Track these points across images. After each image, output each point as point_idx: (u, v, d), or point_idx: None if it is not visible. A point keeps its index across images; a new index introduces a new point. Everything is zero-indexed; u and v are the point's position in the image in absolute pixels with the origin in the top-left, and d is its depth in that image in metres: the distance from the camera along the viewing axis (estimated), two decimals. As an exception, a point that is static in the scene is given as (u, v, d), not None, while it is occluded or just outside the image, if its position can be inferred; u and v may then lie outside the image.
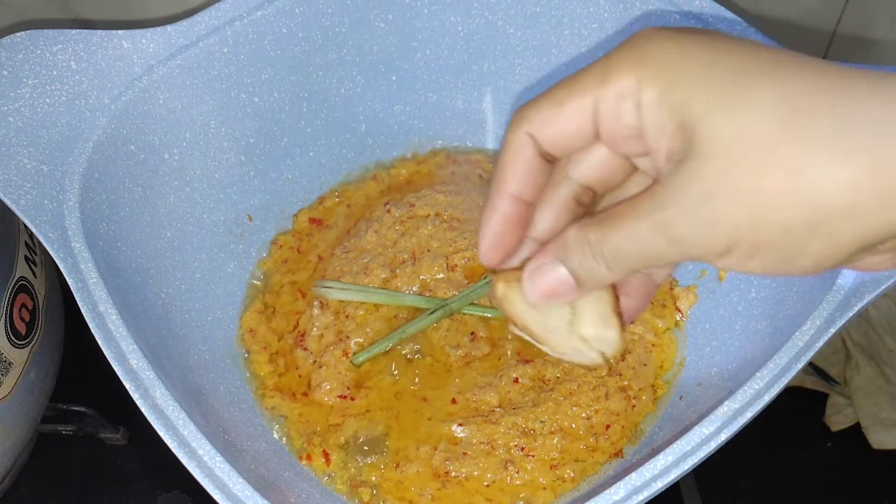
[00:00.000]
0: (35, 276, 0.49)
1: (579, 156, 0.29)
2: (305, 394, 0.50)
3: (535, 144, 0.28)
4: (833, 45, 0.62)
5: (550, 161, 0.29)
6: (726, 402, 0.36)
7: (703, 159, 0.24)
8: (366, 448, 0.47)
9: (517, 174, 0.29)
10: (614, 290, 0.31)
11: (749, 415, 0.35)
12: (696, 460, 0.34)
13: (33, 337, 0.49)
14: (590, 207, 0.31)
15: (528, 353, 0.51)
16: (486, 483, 0.46)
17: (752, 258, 0.24)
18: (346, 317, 0.52)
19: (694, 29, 0.26)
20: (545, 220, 0.31)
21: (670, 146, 0.25)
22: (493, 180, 0.30)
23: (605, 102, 0.26)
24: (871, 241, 0.23)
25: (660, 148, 0.26)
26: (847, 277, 0.39)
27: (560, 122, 0.27)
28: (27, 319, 0.48)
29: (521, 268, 0.31)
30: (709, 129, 0.24)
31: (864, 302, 0.38)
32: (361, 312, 0.52)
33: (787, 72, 0.24)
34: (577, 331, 0.31)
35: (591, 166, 0.29)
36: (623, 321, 0.31)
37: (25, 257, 0.48)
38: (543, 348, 0.32)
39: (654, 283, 0.32)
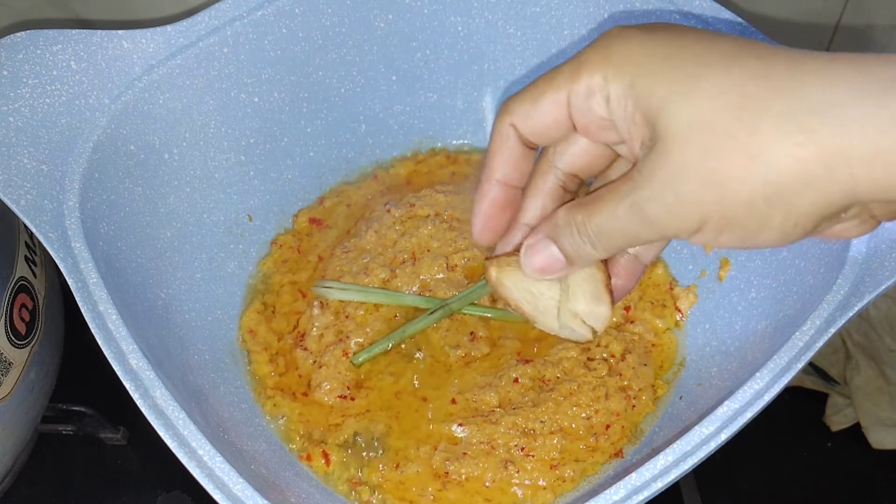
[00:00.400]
0: (35, 276, 0.49)
1: (563, 146, 0.32)
2: (305, 394, 0.50)
3: (517, 134, 0.31)
4: (833, 45, 0.62)
5: (533, 148, 0.32)
6: (726, 402, 0.36)
7: (667, 146, 0.26)
8: (366, 448, 0.47)
9: (503, 161, 0.32)
10: (606, 267, 0.34)
11: (749, 415, 0.35)
12: (696, 460, 0.34)
13: (33, 337, 0.49)
14: (576, 194, 0.34)
15: (528, 353, 0.51)
16: (486, 483, 0.46)
17: (721, 233, 0.27)
18: (346, 317, 0.52)
19: (659, 25, 0.29)
20: (535, 208, 0.33)
21: (641, 134, 0.28)
22: (482, 167, 0.33)
23: (577, 97, 0.29)
24: (829, 210, 0.26)
25: (632, 137, 0.28)
26: (847, 277, 0.39)
27: (538, 115, 0.30)
28: (27, 319, 0.48)
29: (513, 253, 0.34)
30: (669, 119, 0.26)
31: (864, 302, 0.38)
32: (361, 312, 0.52)
33: (740, 61, 0.26)
34: (571, 307, 0.34)
35: (574, 155, 0.32)
36: (613, 298, 0.34)
37: (25, 257, 0.48)
38: (536, 325, 0.35)
39: (641, 263, 0.34)
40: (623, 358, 0.50)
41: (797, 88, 0.25)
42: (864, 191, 0.25)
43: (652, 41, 0.28)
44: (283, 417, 0.49)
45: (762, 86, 0.25)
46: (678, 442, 0.35)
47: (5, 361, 0.46)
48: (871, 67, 0.25)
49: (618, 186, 0.28)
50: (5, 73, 0.44)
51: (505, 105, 0.31)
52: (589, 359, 0.50)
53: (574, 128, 0.30)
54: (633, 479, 0.34)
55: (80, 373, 0.55)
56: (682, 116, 0.26)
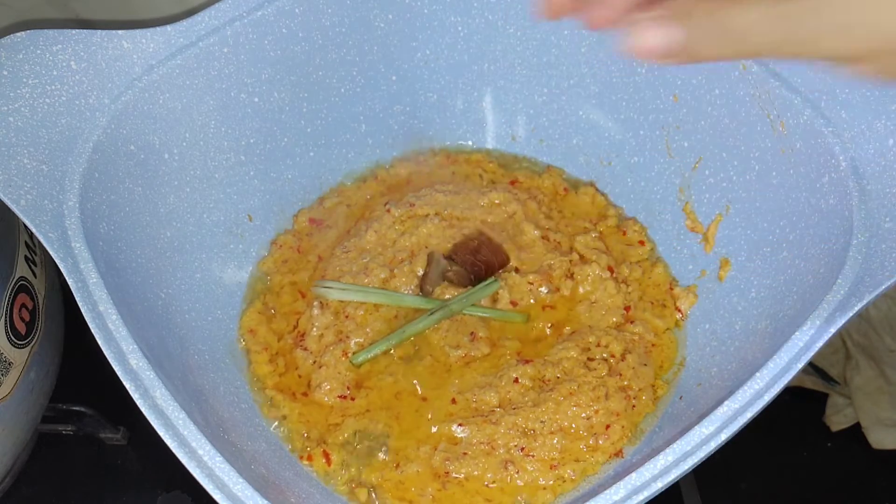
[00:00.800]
0: (35, 276, 0.49)
1: None
2: (305, 394, 0.50)
3: None
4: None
5: None
6: (726, 402, 0.36)
7: None
8: (366, 448, 0.47)
9: None
10: None
11: (749, 415, 0.35)
12: (696, 460, 0.34)
13: (33, 337, 0.49)
14: None
15: (528, 353, 0.51)
16: (486, 483, 0.46)
17: (878, 70, 0.24)
18: (346, 317, 0.52)
19: None
20: None
21: None
22: None
23: None
24: None
25: None
26: (847, 277, 0.39)
27: None
28: (27, 319, 0.48)
29: None
30: None
31: (864, 302, 0.38)
32: (361, 312, 0.52)
33: None
34: None
35: None
36: None
37: (25, 257, 0.48)
38: None
39: None
40: (623, 358, 0.50)
41: None
42: None
43: None
44: (283, 417, 0.49)
45: None
46: (678, 442, 0.35)
47: (5, 361, 0.46)
48: None
49: None
50: (5, 73, 0.44)
51: None
52: (589, 359, 0.50)
53: None
54: (633, 479, 0.34)
55: (80, 373, 0.55)
56: None
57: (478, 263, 0.52)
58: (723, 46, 0.27)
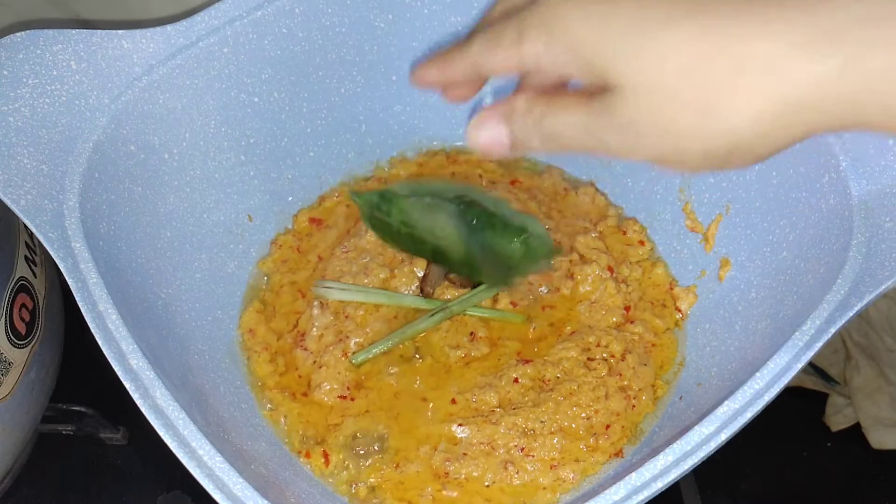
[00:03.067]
0: (35, 276, 0.49)
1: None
2: (305, 394, 0.50)
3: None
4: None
5: None
6: (726, 402, 0.36)
7: (623, 97, 0.28)
8: (366, 448, 0.47)
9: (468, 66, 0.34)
10: None
11: (749, 415, 0.35)
12: (696, 460, 0.34)
13: (33, 337, 0.49)
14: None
15: (528, 353, 0.51)
16: (486, 483, 0.46)
17: (680, 167, 0.29)
18: (346, 317, 0.52)
19: None
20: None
21: (594, 80, 0.29)
22: (452, 50, 0.35)
23: (524, 60, 0.31)
24: (791, 144, 0.27)
25: (586, 81, 0.30)
26: (847, 277, 0.39)
27: (492, 64, 0.33)
28: (27, 319, 0.48)
29: None
30: (621, 73, 0.28)
31: (864, 302, 0.38)
32: (361, 312, 0.52)
33: (698, 17, 0.27)
34: None
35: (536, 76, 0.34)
36: None
37: (25, 257, 0.48)
38: None
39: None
40: (623, 358, 0.50)
41: (745, 44, 0.26)
42: (822, 128, 0.26)
43: (586, 3, 0.29)
44: (283, 417, 0.49)
45: (713, 42, 0.26)
46: (678, 442, 0.35)
47: (5, 361, 0.46)
48: (812, 16, 0.25)
49: (582, 102, 0.29)
50: (5, 73, 0.44)
51: (468, 46, 0.33)
52: (589, 359, 0.50)
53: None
54: (633, 479, 0.34)
55: (80, 373, 0.56)
56: (637, 75, 0.27)
57: (478, 263, 0.52)
58: (543, 144, 0.31)
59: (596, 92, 0.29)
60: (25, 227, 0.49)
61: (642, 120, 0.28)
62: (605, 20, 0.28)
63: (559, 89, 0.33)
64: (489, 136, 0.33)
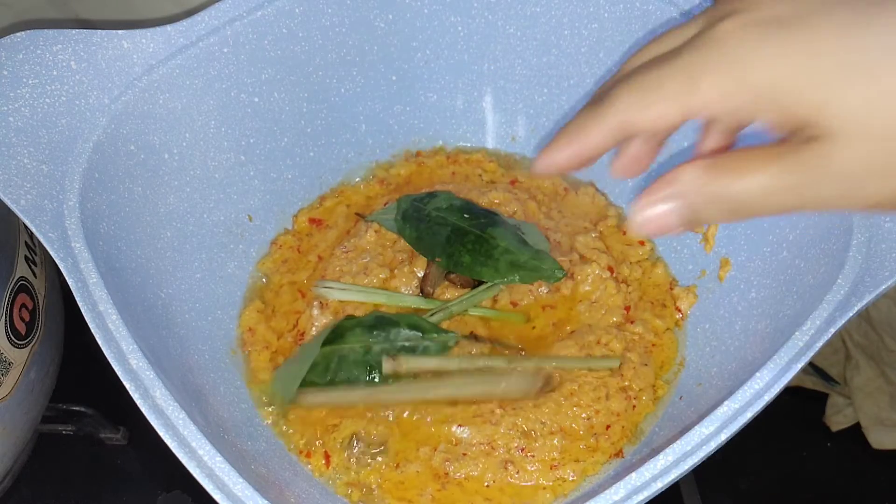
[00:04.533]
0: (35, 276, 0.49)
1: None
2: (305, 394, 0.50)
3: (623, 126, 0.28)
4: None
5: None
6: (726, 402, 0.36)
7: (837, 143, 0.24)
8: (365, 448, 0.47)
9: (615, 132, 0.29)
10: None
11: (749, 415, 0.35)
12: (696, 460, 0.34)
13: (33, 337, 0.49)
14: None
15: (529, 352, 0.51)
16: (486, 483, 0.46)
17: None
18: (346, 317, 0.52)
19: (763, 17, 0.25)
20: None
21: (789, 128, 0.25)
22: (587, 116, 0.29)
23: (693, 110, 0.26)
24: None
25: (774, 129, 0.25)
26: (847, 277, 0.39)
27: (647, 120, 0.27)
28: (27, 319, 0.48)
29: None
30: (836, 116, 0.24)
31: (864, 302, 0.38)
32: (361, 313, 0.52)
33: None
34: None
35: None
36: None
37: (25, 257, 0.48)
38: None
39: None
40: (624, 358, 0.50)
41: None
42: None
43: (775, 35, 0.25)
44: (283, 418, 0.49)
45: None
46: (678, 442, 0.35)
47: (5, 361, 0.46)
48: None
49: (770, 159, 0.25)
50: (5, 73, 0.44)
51: (612, 102, 0.28)
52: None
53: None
54: (633, 479, 0.34)
55: (80, 373, 0.55)
56: (855, 111, 0.23)
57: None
58: (730, 216, 0.27)
59: (786, 142, 0.25)
60: (25, 227, 0.49)
61: (863, 167, 0.24)
62: (812, 57, 0.24)
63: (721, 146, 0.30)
64: (659, 220, 0.27)
